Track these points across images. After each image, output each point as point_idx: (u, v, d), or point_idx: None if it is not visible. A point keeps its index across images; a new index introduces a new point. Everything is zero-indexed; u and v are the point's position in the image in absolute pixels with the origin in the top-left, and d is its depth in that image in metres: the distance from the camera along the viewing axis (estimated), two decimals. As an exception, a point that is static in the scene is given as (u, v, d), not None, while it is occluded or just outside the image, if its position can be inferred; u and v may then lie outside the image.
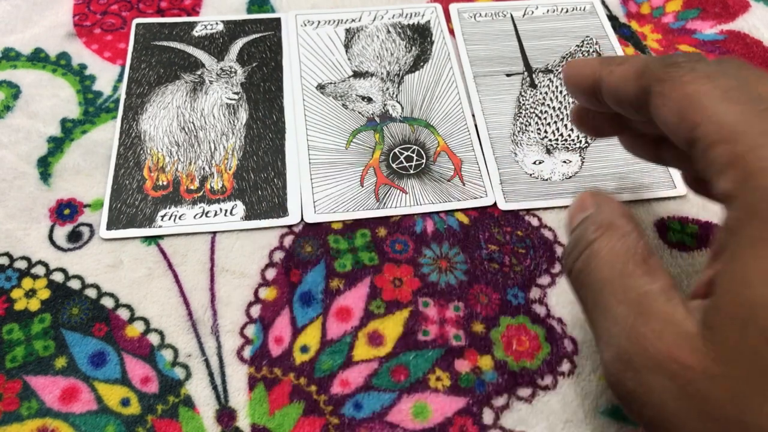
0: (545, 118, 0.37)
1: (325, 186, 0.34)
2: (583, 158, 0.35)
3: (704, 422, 0.17)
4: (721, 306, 0.17)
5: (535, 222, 0.33)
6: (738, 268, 0.17)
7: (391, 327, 0.29)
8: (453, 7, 0.42)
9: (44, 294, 0.30)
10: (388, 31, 0.41)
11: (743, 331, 0.16)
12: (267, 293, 0.30)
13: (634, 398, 0.19)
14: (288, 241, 0.32)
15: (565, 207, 0.33)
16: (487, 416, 0.27)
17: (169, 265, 0.31)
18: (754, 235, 0.17)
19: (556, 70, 0.39)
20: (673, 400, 0.17)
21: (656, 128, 0.22)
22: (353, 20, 0.41)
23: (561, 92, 0.38)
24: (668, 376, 0.17)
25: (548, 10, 0.42)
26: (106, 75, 0.38)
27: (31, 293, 0.30)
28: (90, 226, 0.32)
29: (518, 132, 0.36)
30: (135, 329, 0.29)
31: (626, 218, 0.22)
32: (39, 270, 0.30)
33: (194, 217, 0.32)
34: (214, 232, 0.32)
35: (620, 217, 0.22)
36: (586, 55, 0.40)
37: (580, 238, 0.22)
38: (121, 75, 0.38)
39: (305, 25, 0.41)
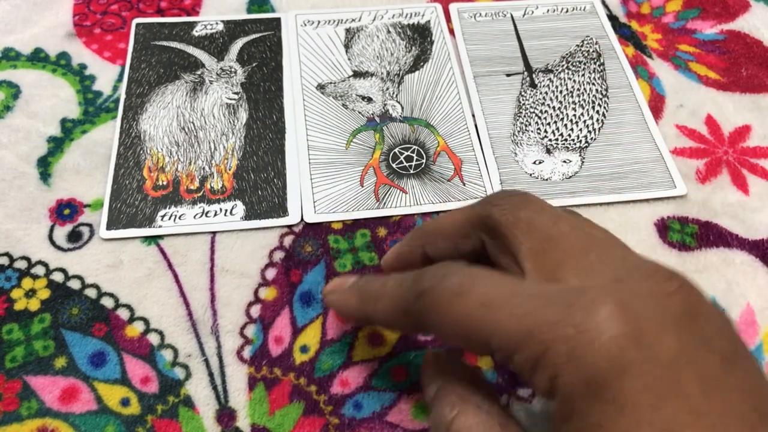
0: (545, 118, 0.37)
1: (325, 186, 0.34)
2: (583, 158, 0.35)
3: None
4: None
5: (535, 222, 0.33)
6: None
7: (391, 327, 0.29)
8: (453, 7, 0.42)
9: (44, 294, 0.30)
10: (388, 31, 0.41)
11: None
12: (267, 293, 0.30)
13: None
14: (288, 241, 0.32)
15: (565, 207, 0.33)
16: (487, 416, 0.27)
17: (169, 265, 0.31)
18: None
19: (556, 70, 0.39)
20: None
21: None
22: (353, 20, 0.41)
23: (561, 92, 0.38)
24: None
25: (548, 10, 0.42)
26: (106, 75, 0.38)
27: (31, 293, 0.30)
28: (90, 226, 0.32)
29: (518, 132, 0.36)
30: (135, 329, 0.29)
31: (476, 385, 0.22)
32: (39, 270, 0.30)
33: (194, 217, 0.32)
34: (214, 232, 0.32)
35: (470, 387, 0.22)
36: (586, 54, 0.40)
37: (440, 419, 0.21)
38: (121, 75, 0.38)
39: (305, 25, 0.41)
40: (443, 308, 0.20)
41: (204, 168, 0.34)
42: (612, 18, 0.43)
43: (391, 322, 0.23)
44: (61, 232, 0.32)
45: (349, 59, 0.39)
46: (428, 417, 0.23)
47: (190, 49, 0.39)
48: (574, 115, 0.37)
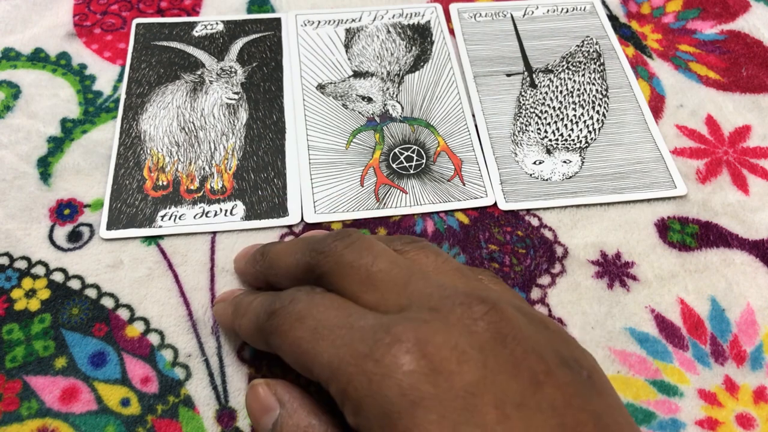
0: (545, 118, 0.37)
1: (325, 186, 0.34)
2: (583, 158, 0.35)
3: None
4: None
5: (535, 222, 0.33)
6: None
7: (391, 327, 0.29)
8: (453, 7, 0.42)
9: (44, 294, 0.30)
10: (388, 31, 0.41)
11: None
12: (267, 293, 0.30)
13: None
14: (288, 241, 0.32)
15: (566, 207, 0.33)
16: (487, 416, 0.27)
17: (169, 265, 0.31)
18: None
19: (557, 70, 0.39)
20: None
21: None
22: (353, 20, 0.41)
23: (561, 92, 0.38)
24: None
25: (548, 10, 0.42)
26: (106, 75, 0.38)
27: (31, 293, 0.30)
28: (90, 226, 0.32)
29: (518, 132, 0.36)
30: (135, 329, 0.29)
31: (315, 414, 0.21)
32: (39, 270, 0.30)
33: (194, 217, 0.32)
34: (214, 232, 0.32)
35: (310, 416, 0.21)
36: (586, 55, 0.40)
37: None
38: (121, 75, 0.38)
39: (305, 25, 0.41)
40: (284, 331, 0.21)
41: (204, 168, 0.34)
42: (612, 18, 0.43)
43: (250, 339, 0.24)
44: (61, 232, 0.32)
45: (349, 59, 0.39)
46: None
47: (190, 49, 0.39)
48: (575, 115, 0.37)
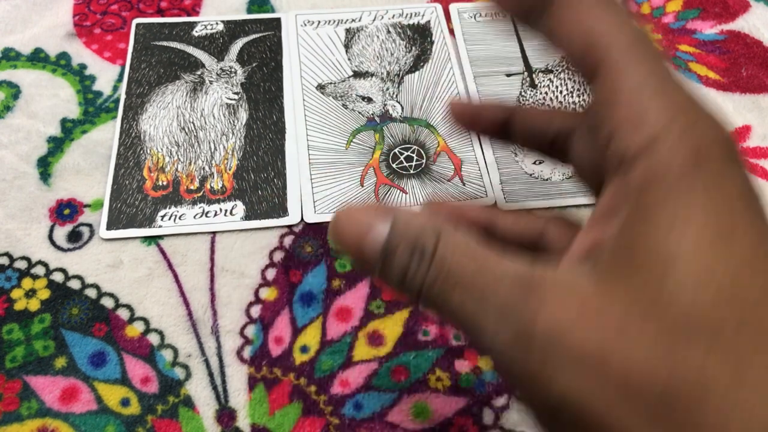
0: (545, 118, 0.37)
1: (325, 186, 0.34)
2: (583, 158, 0.35)
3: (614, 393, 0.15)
4: (632, 261, 0.15)
5: (535, 222, 0.33)
6: (653, 222, 0.15)
7: (391, 327, 0.29)
8: (453, 7, 0.42)
9: (44, 294, 0.30)
10: (388, 31, 0.41)
11: (661, 284, 0.15)
12: (267, 293, 0.30)
13: (541, 378, 0.16)
14: (288, 241, 0.32)
15: (566, 207, 0.33)
16: (487, 416, 0.27)
17: (169, 265, 0.31)
18: (672, 190, 0.15)
19: (557, 70, 0.39)
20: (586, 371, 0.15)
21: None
22: (353, 20, 0.41)
23: (561, 92, 0.38)
24: (576, 348, 0.15)
25: (548, 10, 0.42)
26: (106, 75, 0.38)
27: (31, 293, 0.30)
28: (90, 226, 0.32)
29: (518, 132, 0.36)
30: (135, 329, 0.29)
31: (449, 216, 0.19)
32: (39, 270, 0.30)
33: (194, 217, 0.32)
34: (214, 232, 0.32)
35: (440, 216, 0.19)
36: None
37: (414, 250, 0.17)
38: (121, 75, 0.38)
39: (305, 25, 0.41)
40: (577, 7, 0.18)
41: (204, 168, 0.34)
42: (612, 18, 0.43)
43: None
44: (61, 232, 0.32)
45: (349, 59, 0.39)
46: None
47: (190, 49, 0.39)
48: (574, 115, 0.37)
